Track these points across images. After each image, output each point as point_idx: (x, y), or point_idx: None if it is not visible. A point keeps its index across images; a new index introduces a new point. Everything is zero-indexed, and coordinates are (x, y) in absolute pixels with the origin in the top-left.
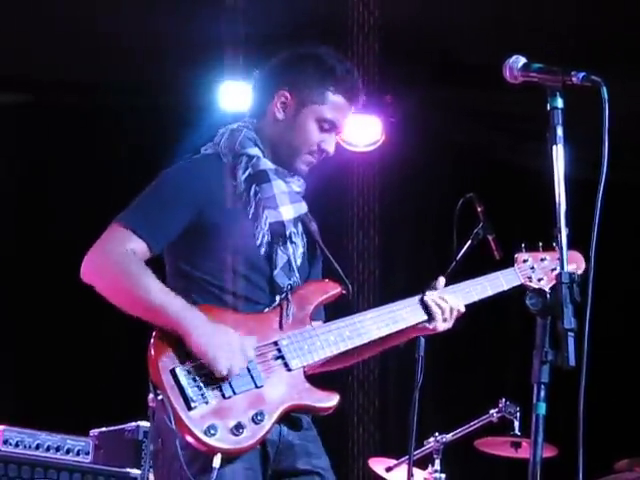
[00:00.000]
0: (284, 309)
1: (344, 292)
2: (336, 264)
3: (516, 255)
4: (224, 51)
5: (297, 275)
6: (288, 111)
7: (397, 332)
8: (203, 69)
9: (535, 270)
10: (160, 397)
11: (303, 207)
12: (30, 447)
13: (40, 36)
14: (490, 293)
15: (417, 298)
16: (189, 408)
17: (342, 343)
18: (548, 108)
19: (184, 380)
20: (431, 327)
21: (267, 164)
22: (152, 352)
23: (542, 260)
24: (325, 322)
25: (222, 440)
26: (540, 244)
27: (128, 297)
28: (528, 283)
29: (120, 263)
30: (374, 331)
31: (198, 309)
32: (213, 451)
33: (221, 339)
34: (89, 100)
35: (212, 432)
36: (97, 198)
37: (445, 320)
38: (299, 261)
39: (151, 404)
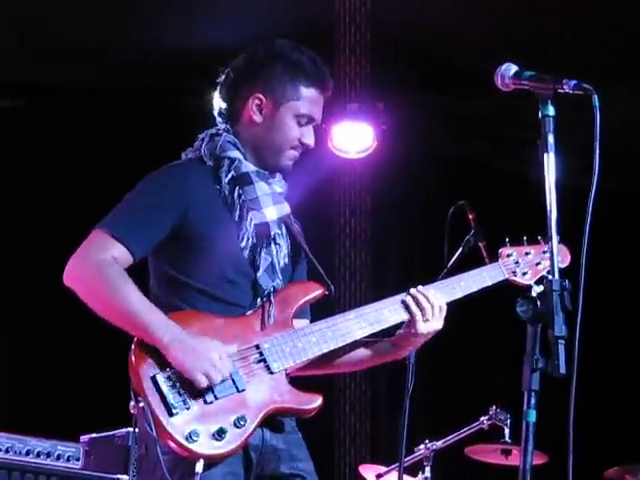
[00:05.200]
0: (266, 311)
1: (327, 293)
2: (319, 265)
3: (500, 250)
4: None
5: (280, 277)
6: (265, 112)
7: (390, 348)
8: (199, 77)
9: (519, 264)
10: (141, 404)
11: (286, 208)
12: (20, 453)
13: (31, 40)
14: (474, 289)
15: (400, 297)
16: (170, 414)
17: (324, 344)
18: (540, 116)
19: (165, 387)
20: (413, 331)
21: (249, 167)
22: (133, 359)
23: (527, 254)
24: (311, 322)
25: (204, 446)
26: (525, 238)
27: (106, 305)
28: (513, 278)
29: (100, 271)
30: (357, 331)
31: (179, 317)
32: (195, 457)
33: (197, 349)
34: (84, 106)
35: (194, 438)
36: (91, 204)
37: (427, 320)
38: (282, 262)
39: (132, 411)
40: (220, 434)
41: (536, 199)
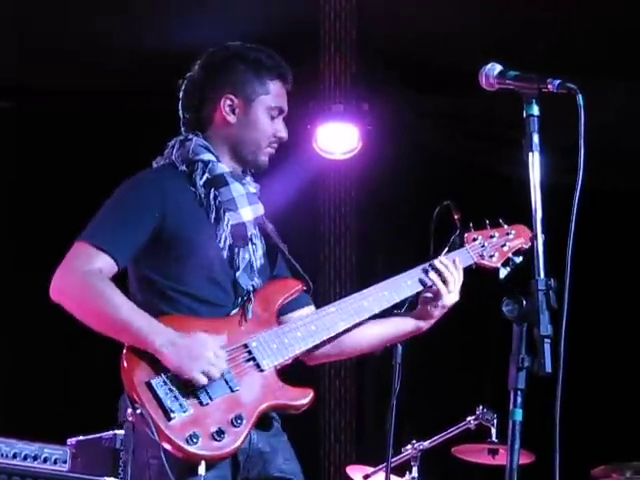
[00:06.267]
0: (249, 311)
1: (305, 289)
2: (294, 262)
3: (465, 235)
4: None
5: (257, 276)
6: (238, 112)
7: (414, 325)
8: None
9: (486, 247)
10: (139, 411)
11: (260, 209)
12: (7, 456)
13: (18, 42)
14: None
15: (380, 287)
16: (168, 419)
17: (310, 338)
18: (524, 115)
19: (161, 391)
20: (439, 303)
21: (223, 168)
22: (125, 366)
23: (491, 237)
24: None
25: (204, 448)
26: (487, 222)
27: (95, 315)
28: (481, 261)
29: (86, 282)
30: (339, 323)
31: (165, 322)
32: (196, 459)
33: (192, 349)
34: (72, 106)
35: (194, 440)
36: (81, 204)
37: (450, 292)
38: (259, 262)
39: (130, 418)
40: (219, 434)
41: (524, 198)
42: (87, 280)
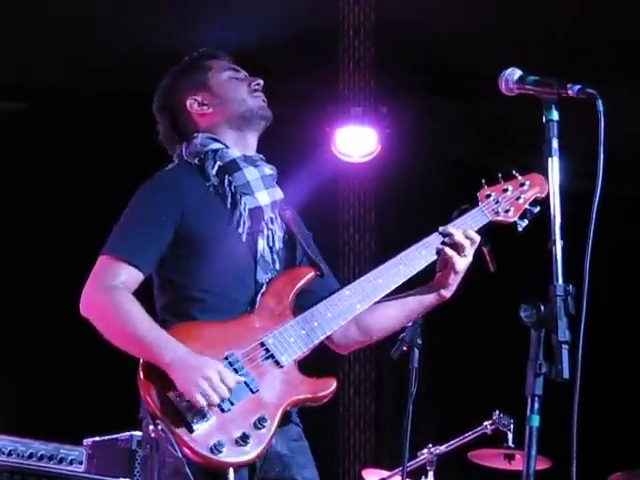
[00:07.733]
0: (264, 306)
1: (318, 274)
2: (308, 250)
3: (478, 193)
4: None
5: (274, 266)
6: (208, 100)
7: (435, 295)
8: None
9: (500, 203)
10: (160, 427)
11: (278, 193)
12: (23, 456)
13: (42, 43)
14: None
15: (393, 262)
16: (191, 431)
17: (327, 326)
18: (544, 120)
19: (179, 404)
20: (454, 269)
21: (234, 153)
22: (142, 378)
23: (505, 191)
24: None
25: (231, 455)
26: (500, 175)
27: (118, 334)
28: (496, 218)
29: (111, 302)
30: (356, 305)
31: (183, 330)
32: (224, 467)
33: (196, 371)
34: (80, 106)
35: (219, 449)
36: (98, 206)
37: (465, 256)
38: (278, 245)
39: (153, 435)
40: (244, 439)
41: (541, 203)
42: (112, 300)
